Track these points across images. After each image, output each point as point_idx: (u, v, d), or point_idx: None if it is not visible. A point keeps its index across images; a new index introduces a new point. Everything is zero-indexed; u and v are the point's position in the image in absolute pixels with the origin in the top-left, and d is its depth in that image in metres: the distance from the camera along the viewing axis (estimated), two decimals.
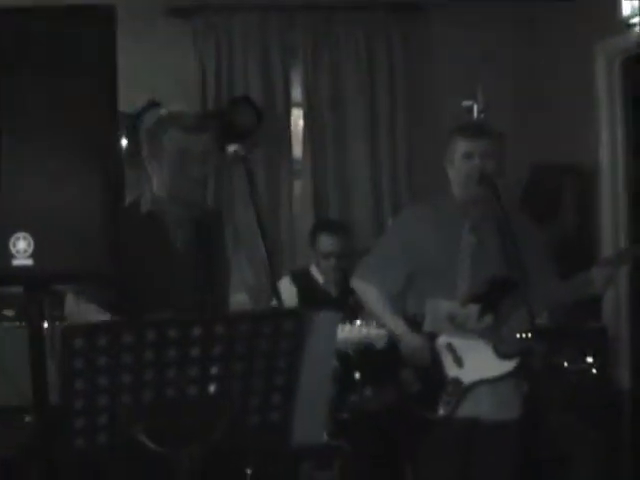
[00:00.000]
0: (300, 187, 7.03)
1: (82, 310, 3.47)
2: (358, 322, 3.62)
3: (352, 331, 3.60)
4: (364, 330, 3.65)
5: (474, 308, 4.08)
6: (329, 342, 2.61)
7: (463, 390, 4.12)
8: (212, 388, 2.42)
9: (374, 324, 3.64)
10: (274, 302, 5.11)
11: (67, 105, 2.30)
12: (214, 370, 2.40)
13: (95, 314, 3.41)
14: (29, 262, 2.21)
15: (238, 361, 2.42)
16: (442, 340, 4.17)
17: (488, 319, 4.09)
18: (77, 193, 2.30)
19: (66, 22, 2.35)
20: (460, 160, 4.17)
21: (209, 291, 3.60)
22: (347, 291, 5.75)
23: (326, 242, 5.95)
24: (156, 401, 2.36)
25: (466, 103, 6.88)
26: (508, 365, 4.12)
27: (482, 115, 6.85)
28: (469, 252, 4.20)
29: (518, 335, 4.10)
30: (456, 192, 4.25)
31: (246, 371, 2.44)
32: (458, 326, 4.09)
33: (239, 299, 3.72)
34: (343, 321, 3.58)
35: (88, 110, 2.34)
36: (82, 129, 2.32)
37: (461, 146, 4.18)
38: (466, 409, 4.14)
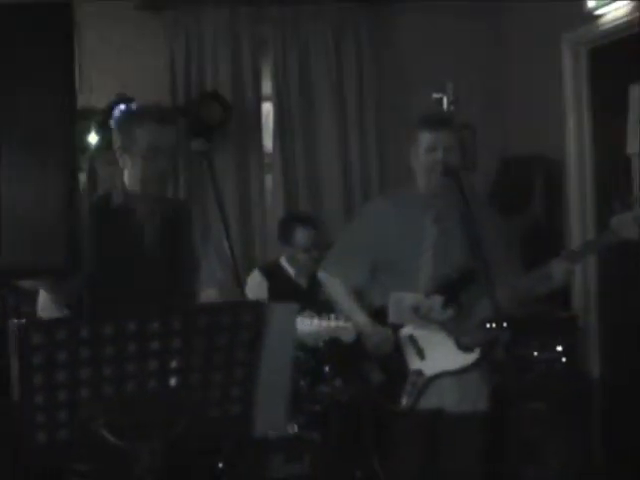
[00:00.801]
0: (271, 181, 7.03)
1: (53, 307, 3.49)
2: (325, 316, 3.62)
3: (320, 325, 3.61)
4: (332, 324, 3.65)
5: (438, 299, 4.09)
6: (288, 333, 2.62)
7: (425, 382, 4.14)
8: (172, 382, 2.43)
9: (342, 318, 3.65)
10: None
11: (21, 100, 2.30)
12: (174, 364, 2.42)
13: (65, 311, 3.43)
14: None
15: (197, 354, 2.43)
16: (404, 332, 4.19)
17: (451, 311, 4.11)
18: (34, 189, 2.30)
19: (18, 15, 2.34)
20: (423, 152, 4.18)
21: (178, 287, 3.62)
22: (318, 284, 5.79)
23: (304, 236, 5.95)
24: (116, 395, 2.37)
25: (436, 95, 6.90)
26: (470, 357, 4.13)
27: (452, 107, 6.87)
28: (432, 243, 4.21)
29: (487, 325, 4.12)
30: (420, 184, 4.26)
31: (206, 364, 2.46)
32: (422, 317, 4.10)
33: (209, 294, 3.73)
34: (311, 315, 3.59)
35: (43, 105, 2.34)
36: (38, 125, 2.32)
37: (424, 138, 4.19)
38: (430, 401, 4.16)
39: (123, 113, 3.74)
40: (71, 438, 2.37)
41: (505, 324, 3.86)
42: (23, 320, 2.16)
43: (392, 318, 4.16)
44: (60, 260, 2.35)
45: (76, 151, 2.35)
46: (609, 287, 6.06)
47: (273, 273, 6.01)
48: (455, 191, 4.06)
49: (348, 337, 3.86)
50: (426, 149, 4.17)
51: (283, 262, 6.05)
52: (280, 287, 5.92)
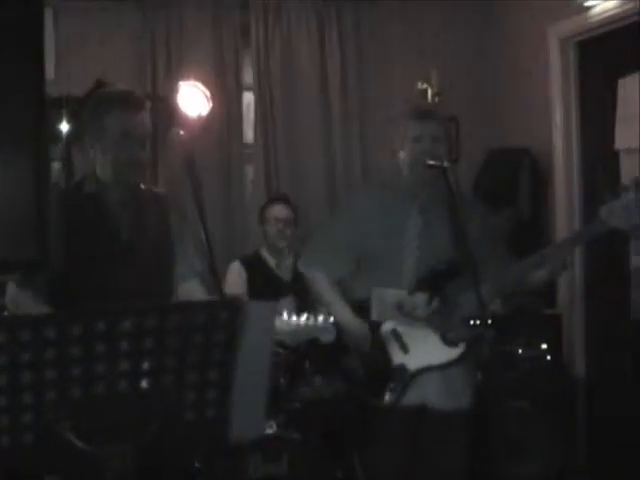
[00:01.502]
0: (252, 171, 6.92)
1: (22, 301, 3.37)
2: (305, 315, 3.52)
3: (299, 324, 3.50)
4: (311, 324, 3.55)
5: (422, 297, 4.00)
6: (267, 332, 2.51)
7: (409, 377, 4.05)
8: (144, 383, 2.31)
9: (321, 317, 3.55)
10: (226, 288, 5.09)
11: None
12: (146, 365, 2.30)
13: (35, 305, 3.32)
14: None
15: (171, 355, 2.32)
16: (387, 326, 4.09)
17: (435, 304, 4.01)
18: (2, 180, 2.19)
19: None
20: (409, 143, 4.11)
21: (155, 281, 3.52)
22: (299, 275, 5.70)
23: (274, 209, 6.02)
24: (84, 398, 2.25)
25: (420, 86, 6.82)
26: (455, 352, 4.04)
27: (436, 98, 6.79)
28: (416, 234, 4.13)
29: (472, 322, 4.03)
30: (406, 175, 4.17)
31: (180, 365, 2.34)
32: (406, 315, 4.01)
33: (190, 287, 3.64)
34: (289, 313, 3.49)
35: (11, 93, 2.22)
36: (6, 115, 2.20)
37: (410, 129, 4.12)
38: (414, 396, 4.06)
39: (92, 100, 3.61)
40: (36, 442, 2.25)
41: (490, 321, 3.75)
42: None
43: (375, 315, 4.07)
44: (31, 253, 2.24)
45: (48, 140, 2.23)
46: (594, 285, 5.99)
47: (253, 264, 5.95)
48: (441, 182, 3.96)
49: (328, 337, 3.76)
50: (412, 139, 4.09)
51: (263, 252, 6.01)
52: (260, 278, 5.87)
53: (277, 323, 3.28)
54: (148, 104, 3.59)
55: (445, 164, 3.85)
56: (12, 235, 2.22)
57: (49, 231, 2.32)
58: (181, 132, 3.50)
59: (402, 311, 4.00)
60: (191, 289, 3.63)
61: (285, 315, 3.46)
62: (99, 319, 2.20)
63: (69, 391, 2.24)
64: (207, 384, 2.40)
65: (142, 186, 3.64)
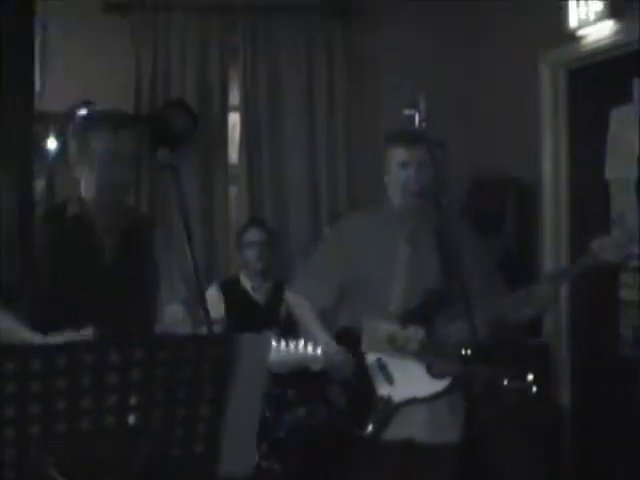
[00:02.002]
0: (235, 193, 6.84)
1: (3, 326, 3.26)
2: (293, 343, 3.44)
3: (288, 352, 3.43)
4: (300, 352, 3.47)
5: (415, 331, 3.92)
6: (260, 366, 2.42)
7: (393, 408, 3.96)
8: (131, 418, 2.22)
9: (310, 346, 3.47)
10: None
11: None
12: (133, 399, 2.20)
13: (17, 330, 3.20)
14: None
15: (159, 389, 2.22)
16: (372, 356, 4.01)
17: (421, 335, 3.93)
18: None
19: None
20: (396, 168, 4.04)
21: (139, 305, 3.45)
22: (275, 300, 5.64)
23: (249, 234, 6.01)
24: (69, 433, 2.16)
25: (407, 112, 6.72)
26: (441, 384, 3.97)
27: (424, 124, 6.71)
28: (405, 263, 4.06)
29: (462, 351, 3.96)
30: (394, 201, 4.10)
31: (168, 400, 2.25)
32: (398, 349, 3.93)
33: (174, 310, 3.56)
34: (278, 341, 3.41)
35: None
36: None
37: (397, 154, 4.05)
38: (400, 429, 3.98)
39: (78, 119, 3.54)
40: (18, 478, 2.15)
41: (477, 354, 3.68)
42: None
43: (365, 347, 3.98)
44: (14, 277, 2.16)
45: (31, 161, 2.15)
46: (581, 315, 5.92)
47: (231, 288, 5.90)
48: (429, 209, 3.89)
49: (317, 366, 3.68)
50: (399, 165, 4.02)
51: (242, 277, 5.96)
52: (237, 302, 5.82)
53: None
54: (133, 124, 3.51)
55: (433, 190, 3.79)
56: None
57: (32, 254, 2.22)
58: (168, 153, 3.40)
59: (394, 345, 3.92)
60: (176, 313, 3.56)
61: (274, 343, 3.39)
62: (85, 351, 2.11)
63: (53, 426, 2.14)
64: (196, 419, 2.31)
65: (127, 208, 3.57)
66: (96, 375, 2.12)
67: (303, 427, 4.94)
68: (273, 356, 3.34)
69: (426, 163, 4.00)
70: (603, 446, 5.51)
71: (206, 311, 3.03)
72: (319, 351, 3.52)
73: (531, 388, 5.55)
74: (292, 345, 3.43)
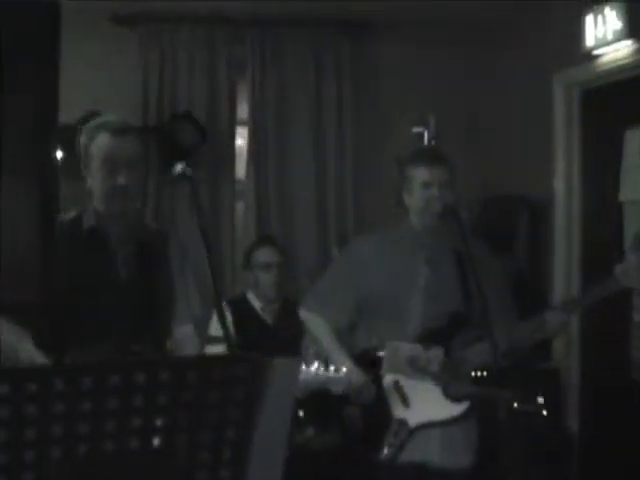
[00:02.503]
0: (242, 209, 6.77)
1: (21, 348, 3.18)
2: (315, 365, 3.36)
3: (308, 374, 3.35)
4: (321, 374, 3.39)
5: (437, 352, 3.84)
6: (289, 390, 2.34)
7: (408, 432, 3.88)
8: (156, 441, 2.13)
9: (332, 367, 3.40)
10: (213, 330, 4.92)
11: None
12: (159, 421, 2.11)
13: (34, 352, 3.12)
14: None
15: (185, 412, 2.13)
16: (389, 378, 3.93)
17: (442, 356, 3.86)
18: (5, 216, 2.02)
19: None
20: (418, 189, 3.96)
21: (153, 321, 3.36)
22: (284, 320, 5.53)
23: (265, 253, 5.74)
24: (91, 456, 2.07)
25: (416, 129, 6.70)
26: (458, 408, 3.90)
27: (433, 142, 6.67)
28: (423, 285, 3.99)
29: (473, 374, 3.89)
30: (414, 221, 4.03)
31: (194, 423, 2.16)
32: (419, 370, 3.85)
33: (185, 331, 3.49)
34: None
35: (22, 119, 2.06)
36: (11, 144, 2.04)
37: (419, 174, 3.96)
38: (414, 453, 3.90)
39: (83, 130, 3.49)
40: None
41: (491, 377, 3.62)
42: None
43: (386, 368, 3.90)
44: (33, 294, 2.08)
45: (56, 174, 2.07)
46: (590, 339, 5.86)
47: (238, 307, 5.76)
48: (450, 230, 3.83)
49: (338, 388, 3.60)
50: (421, 185, 3.93)
51: (249, 295, 5.81)
52: (245, 322, 5.68)
53: None
54: (133, 130, 3.45)
55: (457, 211, 3.72)
56: (14, 277, 2.04)
57: (52, 273, 2.14)
58: (186, 167, 3.33)
59: (415, 366, 3.84)
60: (186, 334, 3.50)
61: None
62: (111, 372, 2.02)
63: (75, 448, 2.05)
64: (223, 444, 2.22)
65: (140, 220, 3.50)
66: (121, 397, 2.04)
67: (311, 448, 4.85)
68: None
69: (448, 183, 3.94)
70: (612, 470, 5.45)
71: (226, 328, 2.96)
72: (341, 374, 3.44)
73: (541, 411, 5.50)
74: (313, 367, 3.35)
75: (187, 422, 2.15)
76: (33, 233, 2.06)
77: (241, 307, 5.76)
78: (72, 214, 3.46)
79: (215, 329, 5.48)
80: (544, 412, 5.51)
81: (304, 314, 4.24)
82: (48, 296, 2.06)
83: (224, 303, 5.71)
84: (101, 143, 3.32)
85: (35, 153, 2.08)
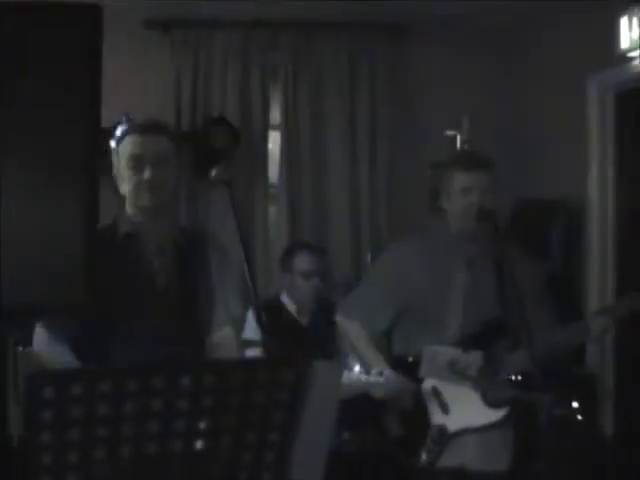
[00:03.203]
0: (275, 212, 6.78)
1: (51, 345, 3.22)
2: (357, 368, 3.37)
3: (350, 379, 3.35)
4: (363, 378, 3.39)
5: (477, 355, 3.83)
6: (331, 395, 2.34)
7: (447, 438, 3.87)
8: (199, 444, 2.14)
9: (374, 371, 3.39)
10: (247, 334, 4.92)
11: (39, 118, 2.02)
12: (203, 424, 2.12)
13: (64, 356, 3.18)
14: None
15: (229, 414, 2.14)
16: (427, 384, 3.92)
17: (481, 361, 3.85)
18: (48, 216, 2.02)
19: (42, 22, 2.05)
20: (458, 194, 3.92)
21: (192, 323, 3.35)
22: (319, 322, 5.51)
23: (306, 259, 5.65)
24: (135, 457, 2.07)
25: (449, 132, 6.68)
26: (497, 414, 3.89)
27: (465, 145, 6.65)
28: (462, 290, 3.98)
29: (517, 378, 3.87)
30: (452, 227, 4.00)
31: (238, 426, 2.16)
32: (457, 374, 3.83)
33: (225, 334, 3.47)
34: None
35: (64, 123, 2.06)
36: (56, 145, 2.04)
37: (459, 179, 3.93)
38: (451, 458, 3.89)
39: (114, 136, 3.49)
40: None
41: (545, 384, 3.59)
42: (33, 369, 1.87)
43: (424, 372, 3.88)
44: (78, 297, 2.07)
45: (99, 177, 2.07)
46: (625, 344, 5.81)
47: (273, 309, 5.74)
48: (488, 235, 3.80)
49: (379, 393, 3.59)
50: (461, 191, 3.90)
51: (284, 298, 5.79)
52: (279, 324, 5.65)
53: None
54: (162, 128, 3.42)
55: (496, 217, 3.71)
56: (57, 279, 2.04)
57: (96, 274, 2.14)
58: (224, 170, 3.34)
59: (454, 370, 3.82)
60: (226, 336, 3.47)
61: None
62: (155, 375, 2.03)
63: (120, 450, 2.06)
64: (265, 447, 2.22)
65: (175, 222, 3.49)
66: (166, 399, 2.04)
67: (346, 452, 4.83)
68: None
69: (487, 188, 3.91)
70: None
71: (264, 332, 2.95)
72: (382, 378, 3.44)
73: (576, 416, 5.46)
74: (356, 369, 3.35)
75: (231, 424, 2.16)
76: (75, 237, 2.06)
77: (275, 309, 5.74)
78: (108, 221, 3.45)
79: (249, 332, 5.49)
80: (579, 417, 5.48)
81: (341, 320, 4.23)
82: (92, 300, 2.06)
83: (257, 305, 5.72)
84: (129, 142, 3.31)
85: (76, 156, 2.07)
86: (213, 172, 3.27)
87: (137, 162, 3.26)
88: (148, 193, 3.28)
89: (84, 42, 2.10)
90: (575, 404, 5.42)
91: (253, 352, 5.13)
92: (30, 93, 2.01)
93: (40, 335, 3.24)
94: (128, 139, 3.32)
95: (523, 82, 6.82)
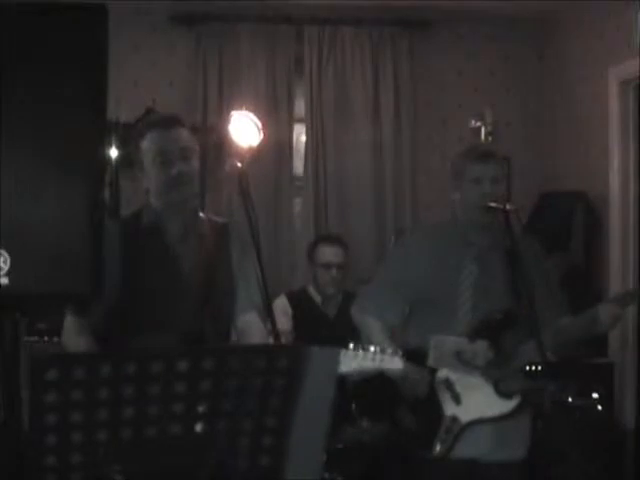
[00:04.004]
0: (300, 204, 6.84)
1: (78, 333, 3.30)
2: (372, 348, 3.39)
3: (365, 359, 3.38)
4: (378, 358, 3.42)
5: (483, 345, 3.86)
6: (328, 380, 2.39)
7: (460, 428, 3.91)
8: (198, 427, 2.21)
9: (389, 351, 3.42)
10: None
11: (49, 112, 2.10)
12: (201, 408, 2.19)
13: (83, 337, 3.25)
14: (4, 280, 2.02)
15: (227, 399, 2.20)
16: (440, 375, 3.95)
17: (490, 354, 3.88)
18: (57, 207, 2.10)
19: (51, 21, 2.13)
20: (469, 185, 3.94)
21: (214, 310, 3.39)
22: (344, 313, 5.56)
23: (326, 252, 5.75)
24: (135, 440, 2.15)
25: (473, 124, 6.71)
26: (509, 404, 3.90)
27: (490, 137, 6.68)
28: (472, 282, 3.99)
29: (528, 368, 3.89)
30: (462, 218, 4.03)
31: (236, 410, 2.23)
32: (465, 363, 3.87)
33: (249, 319, 3.51)
34: (355, 348, 3.38)
35: (72, 118, 2.13)
36: (65, 139, 2.11)
37: (470, 170, 3.95)
38: (464, 449, 3.91)
39: (135, 128, 3.53)
40: None
41: (551, 373, 3.62)
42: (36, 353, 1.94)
43: (432, 362, 3.92)
44: (85, 285, 2.14)
45: (104, 168, 2.14)
46: None
47: (299, 300, 5.81)
48: (500, 226, 3.84)
49: (395, 371, 3.59)
50: (472, 181, 3.93)
51: (310, 289, 5.85)
52: (305, 315, 5.72)
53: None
54: (183, 122, 3.45)
55: (507, 207, 3.73)
56: (66, 264, 2.12)
57: (103, 263, 2.21)
58: (237, 163, 3.39)
59: (461, 359, 3.87)
60: (251, 321, 3.51)
61: (352, 348, 3.36)
62: (154, 359, 2.10)
63: (121, 432, 2.13)
64: (263, 431, 2.28)
65: (202, 215, 3.52)
66: (165, 383, 2.11)
67: (364, 441, 4.88)
68: (351, 364, 3.34)
69: (498, 179, 3.93)
70: None
71: (273, 322, 3.00)
72: (397, 357, 3.47)
73: (596, 406, 5.48)
74: (370, 350, 3.39)
75: (229, 409, 2.23)
76: (85, 224, 2.13)
77: (302, 300, 5.80)
78: (132, 210, 3.52)
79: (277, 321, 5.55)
80: (599, 407, 5.50)
81: (356, 316, 4.27)
82: (99, 288, 2.13)
83: (285, 296, 5.79)
84: (151, 137, 3.34)
85: (85, 150, 2.14)
86: (227, 164, 3.30)
87: (163, 158, 3.31)
88: (176, 189, 3.33)
89: (91, 41, 2.17)
90: (595, 394, 5.45)
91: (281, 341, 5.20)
92: (39, 89, 2.09)
93: (68, 325, 3.33)
94: (152, 134, 3.35)
95: (544, 75, 6.83)
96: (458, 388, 3.94)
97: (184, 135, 3.40)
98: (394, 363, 3.51)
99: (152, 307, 3.30)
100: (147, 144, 3.35)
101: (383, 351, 3.46)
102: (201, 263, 3.41)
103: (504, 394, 3.91)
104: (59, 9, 2.15)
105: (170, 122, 3.40)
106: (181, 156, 3.33)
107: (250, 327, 3.50)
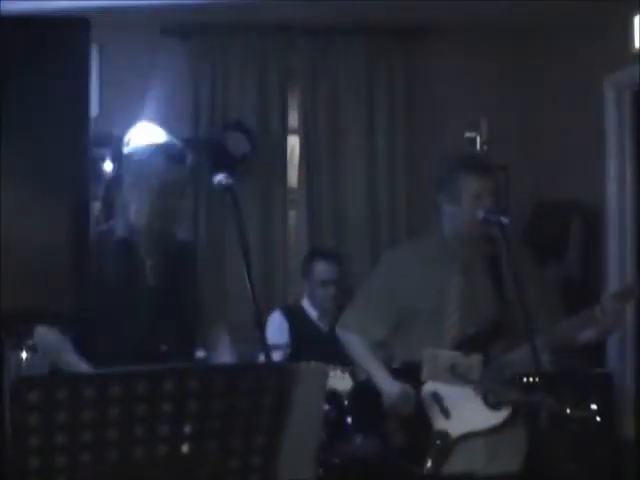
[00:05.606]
0: (294, 217, 6.80)
1: (68, 357, 3.35)
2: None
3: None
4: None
5: (477, 358, 3.82)
6: (317, 396, 2.36)
7: (451, 443, 3.86)
8: (185, 448, 2.16)
9: (338, 371, 3.44)
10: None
11: (31, 127, 2.06)
12: (187, 428, 2.14)
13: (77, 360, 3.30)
14: None
15: (214, 419, 2.17)
16: (427, 389, 3.91)
17: (480, 364, 3.84)
18: (40, 225, 2.06)
19: (34, 35, 2.10)
20: (468, 199, 3.87)
21: (180, 323, 3.51)
22: None
23: (324, 269, 5.74)
24: (121, 462, 2.10)
25: (469, 134, 6.69)
26: (499, 415, 3.85)
27: (485, 147, 6.65)
28: (458, 294, 3.95)
29: (524, 380, 3.85)
30: (449, 230, 3.98)
31: (223, 430, 2.18)
32: (459, 377, 3.82)
33: (216, 331, 3.68)
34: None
35: (55, 132, 2.10)
36: (48, 156, 2.08)
37: (469, 184, 3.88)
38: (458, 463, 3.86)
39: (136, 149, 3.57)
40: None
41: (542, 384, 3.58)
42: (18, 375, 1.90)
43: (425, 376, 3.88)
44: (70, 303, 2.11)
45: (89, 186, 2.10)
46: None
47: (294, 314, 5.78)
48: (486, 237, 3.82)
49: (344, 389, 3.59)
50: (471, 196, 3.86)
51: (305, 303, 5.83)
52: (301, 329, 5.70)
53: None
54: (187, 155, 3.55)
55: (503, 220, 3.69)
56: (51, 283, 2.09)
57: (87, 280, 2.18)
58: (227, 177, 3.36)
59: (456, 373, 3.82)
60: (219, 334, 3.67)
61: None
62: (140, 380, 2.06)
63: (106, 454, 2.09)
64: (252, 450, 2.24)
65: (172, 233, 3.61)
66: (150, 404, 2.07)
67: (358, 457, 4.83)
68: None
69: (495, 192, 3.90)
70: None
71: (264, 339, 2.99)
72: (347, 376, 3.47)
73: (594, 418, 5.43)
74: None
75: (216, 428, 2.18)
76: (70, 243, 2.09)
77: (297, 315, 5.78)
78: (107, 225, 3.58)
79: (270, 337, 5.51)
80: (598, 418, 5.46)
81: (341, 333, 4.24)
82: (80, 307, 2.11)
83: (280, 311, 5.75)
84: (156, 169, 3.44)
85: (68, 167, 2.11)
86: (216, 179, 3.27)
87: (160, 190, 3.43)
88: (164, 220, 3.50)
89: (74, 55, 2.14)
90: (594, 406, 5.41)
91: (277, 355, 5.17)
92: (21, 104, 2.05)
93: (42, 337, 3.37)
94: (154, 164, 3.45)
95: (540, 83, 6.79)
96: (446, 401, 3.89)
97: (183, 171, 3.55)
98: (343, 383, 3.52)
99: (120, 318, 3.41)
100: (152, 173, 3.44)
101: (333, 370, 3.45)
102: (167, 277, 3.53)
103: (493, 405, 3.86)
104: (41, 23, 2.12)
105: (176, 157, 3.51)
106: (177, 191, 3.49)
107: (217, 339, 3.66)
